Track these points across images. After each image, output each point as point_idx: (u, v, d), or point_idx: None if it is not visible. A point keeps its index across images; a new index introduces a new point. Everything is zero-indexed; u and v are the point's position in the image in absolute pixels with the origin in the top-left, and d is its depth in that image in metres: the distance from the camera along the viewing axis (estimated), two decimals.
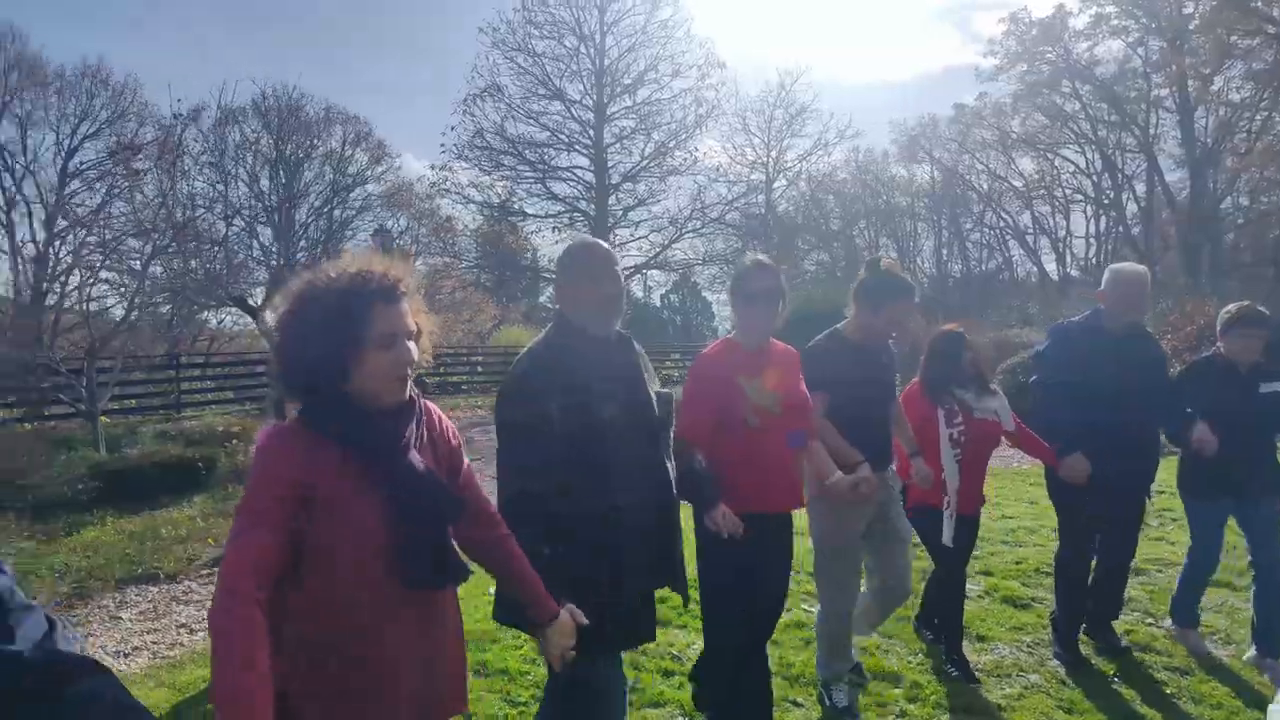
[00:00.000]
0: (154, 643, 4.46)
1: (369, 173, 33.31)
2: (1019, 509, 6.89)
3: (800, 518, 3.08)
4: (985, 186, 39.65)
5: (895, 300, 3.20)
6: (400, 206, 28.80)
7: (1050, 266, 39.29)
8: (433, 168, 25.94)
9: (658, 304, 47.69)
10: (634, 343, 2.37)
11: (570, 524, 2.07)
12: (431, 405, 1.72)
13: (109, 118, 23.02)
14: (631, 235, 22.64)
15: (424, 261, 27.93)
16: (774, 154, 31.16)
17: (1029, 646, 3.95)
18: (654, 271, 25.60)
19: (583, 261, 2.28)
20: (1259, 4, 22.92)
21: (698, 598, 2.84)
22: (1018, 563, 5.29)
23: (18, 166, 21.95)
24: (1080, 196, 38.63)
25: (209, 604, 1.50)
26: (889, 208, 41.89)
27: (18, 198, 21.87)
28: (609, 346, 2.26)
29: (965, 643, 3.84)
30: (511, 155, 20.67)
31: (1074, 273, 38.17)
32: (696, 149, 21.62)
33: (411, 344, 1.54)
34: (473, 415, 15.79)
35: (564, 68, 20.51)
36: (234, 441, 9.22)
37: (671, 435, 2.42)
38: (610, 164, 21.13)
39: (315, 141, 31.36)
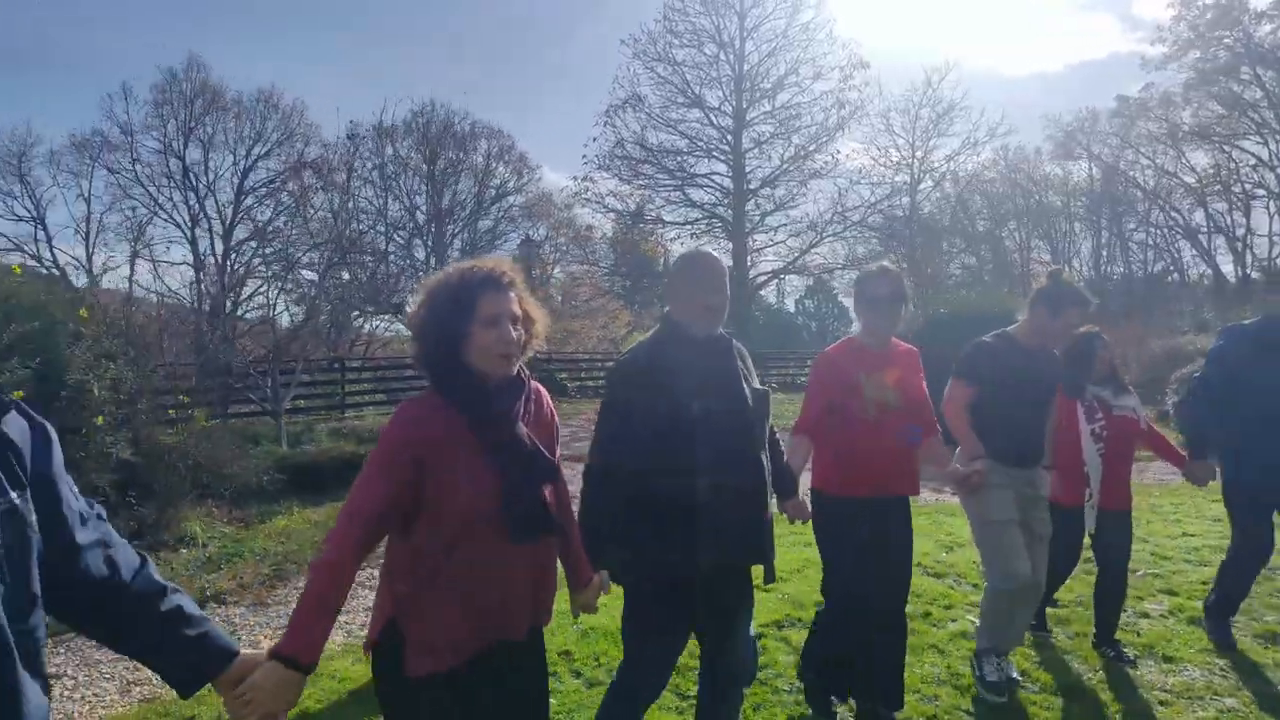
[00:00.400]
0: (346, 623, 4.85)
1: (511, 185, 34.88)
2: (1201, 526, 6.44)
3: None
4: (1151, 183, 36.83)
5: (1074, 307, 3.41)
6: (540, 217, 29.83)
7: (1227, 268, 36.06)
8: (574, 179, 26.75)
9: (792, 309, 47.15)
10: (735, 344, 2.49)
11: (647, 499, 2.26)
12: (539, 386, 1.95)
13: (279, 139, 25.05)
14: (769, 240, 22.58)
15: (562, 269, 28.81)
16: (919, 154, 30.08)
17: (1221, 670, 3.71)
18: (791, 276, 25.40)
19: (692, 271, 2.45)
20: None
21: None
22: (1204, 583, 4.95)
23: (201, 186, 24.21)
24: (1263, 191, 35.23)
25: None
26: (1041, 208, 39.63)
27: (201, 215, 24.10)
28: (708, 347, 2.40)
29: (1151, 663, 3.69)
30: (650, 164, 21.03)
31: (1255, 274, 34.80)
32: (838, 151, 21.33)
33: (514, 327, 1.78)
34: None
35: (703, 75, 20.69)
36: None
37: (768, 428, 2.57)
38: (748, 169, 21.07)
39: (463, 156, 33.11)
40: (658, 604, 2.36)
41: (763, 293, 35.43)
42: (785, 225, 21.66)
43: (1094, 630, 3.98)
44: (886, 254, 23.89)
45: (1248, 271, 35.09)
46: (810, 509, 2.91)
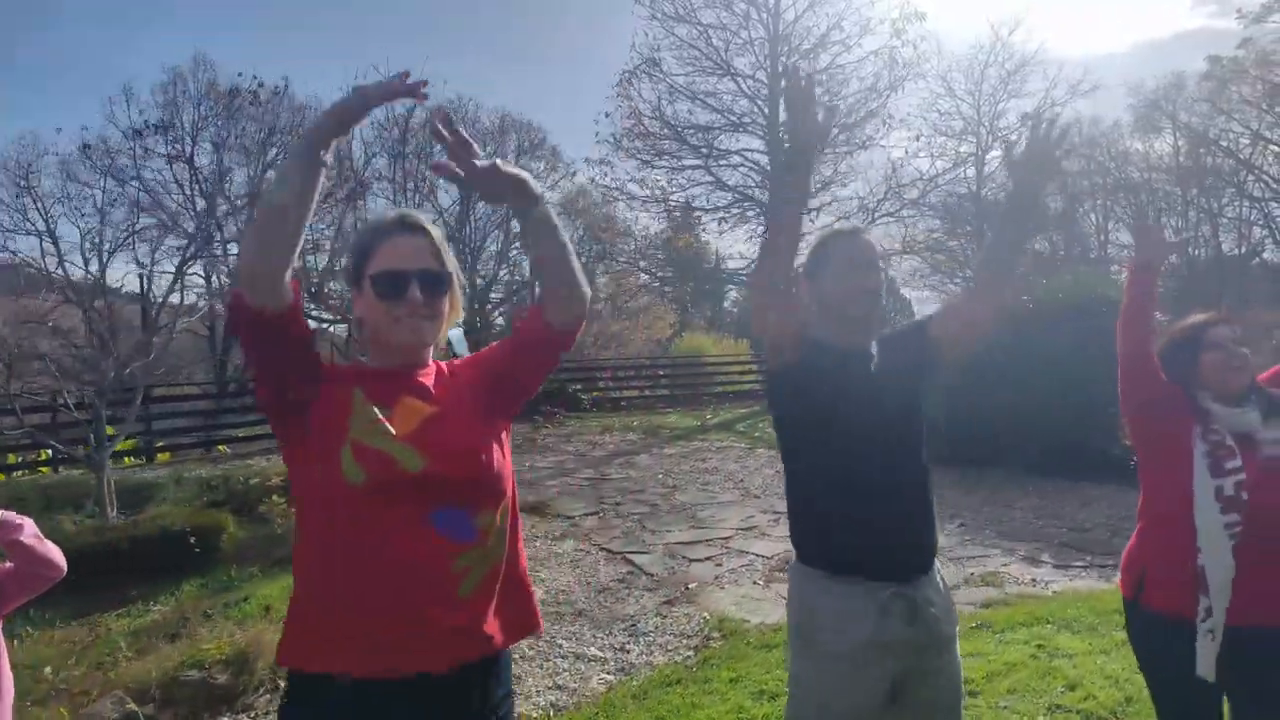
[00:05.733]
0: None
1: (544, 181, 33.12)
2: None
3: None
4: (1246, 152, 33.28)
5: None
6: (577, 214, 27.95)
7: None
8: (586, 161, 24.64)
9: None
10: None
11: None
12: None
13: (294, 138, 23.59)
14: (813, 224, 20.08)
15: (604, 268, 26.75)
16: (987, 119, 27.10)
17: None
18: None
19: None
20: None
21: None
22: None
23: (212, 190, 22.84)
24: None
25: None
26: (1122, 184, 36.31)
27: (213, 223, 22.75)
28: None
29: None
30: (673, 140, 18.69)
31: None
32: (890, 118, 18.67)
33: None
34: (661, 423, 14.12)
35: (732, 38, 18.24)
36: None
37: None
38: (787, 144, 18.47)
39: (491, 151, 31.46)
40: None
41: None
42: (831, 205, 19.14)
43: None
44: (950, 236, 21.22)
45: None
46: None
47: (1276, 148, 32.31)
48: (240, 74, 23.68)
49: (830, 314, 2.13)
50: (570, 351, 1.92)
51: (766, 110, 18.62)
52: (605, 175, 20.17)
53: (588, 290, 1.71)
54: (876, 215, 18.95)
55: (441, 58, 50.24)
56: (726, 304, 38.28)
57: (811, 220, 20.41)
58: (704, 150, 19.16)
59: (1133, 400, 2.35)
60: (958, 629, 2.16)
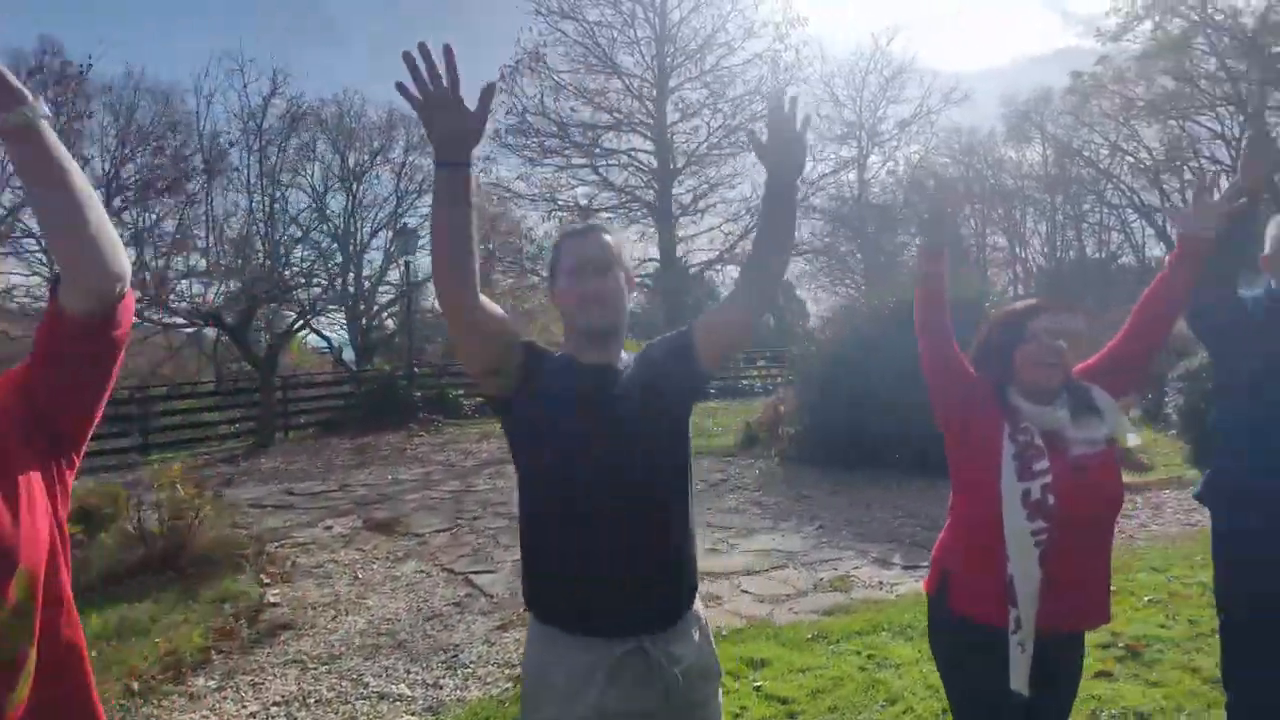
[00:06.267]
0: None
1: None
2: None
3: None
4: (1106, 162, 35.54)
5: None
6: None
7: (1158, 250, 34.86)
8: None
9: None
10: None
11: None
12: None
13: (153, 128, 22.12)
14: (700, 226, 20.18)
15: (501, 269, 26.05)
16: (867, 124, 27.91)
17: None
18: (731, 268, 23.03)
19: None
20: None
21: None
22: None
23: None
24: (1216, 166, 34.02)
25: None
26: (996, 192, 38.15)
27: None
28: None
29: None
30: (559, 138, 18.39)
31: None
32: None
33: None
34: None
35: (619, 36, 18.11)
36: None
37: None
38: (675, 143, 18.60)
39: (378, 145, 30.39)
40: None
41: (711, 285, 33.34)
42: (719, 206, 19.19)
43: None
44: (835, 238, 21.69)
45: None
46: None
47: (1132, 158, 34.59)
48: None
49: (566, 324, 1.89)
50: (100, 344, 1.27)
51: (654, 110, 18.53)
52: (489, 172, 19.64)
53: (110, 247, 1.20)
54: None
55: (321, 45, 48.40)
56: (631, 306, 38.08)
57: (695, 223, 20.53)
58: (590, 148, 18.89)
59: (937, 395, 2.20)
60: (720, 683, 1.95)
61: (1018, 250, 39.96)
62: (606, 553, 1.72)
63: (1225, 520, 2.47)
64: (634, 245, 21.01)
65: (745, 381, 20.43)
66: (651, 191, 18.39)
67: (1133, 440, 2.15)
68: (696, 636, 1.86)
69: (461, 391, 16.85)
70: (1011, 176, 38.48)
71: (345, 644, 4.81)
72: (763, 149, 1.80)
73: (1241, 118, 30.74)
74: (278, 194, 24.90)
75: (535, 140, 18.38)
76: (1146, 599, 4.76)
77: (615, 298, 1.83)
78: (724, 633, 4.63)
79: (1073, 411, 2.07)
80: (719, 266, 20.96)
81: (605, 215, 19.54)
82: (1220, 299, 2.37)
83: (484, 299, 1.69)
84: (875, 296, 10.38)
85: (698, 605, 1.93)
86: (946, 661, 2.18)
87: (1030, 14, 55.45)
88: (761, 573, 5.80)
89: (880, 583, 5.51)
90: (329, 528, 7.70)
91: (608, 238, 1.89)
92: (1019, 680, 1.96)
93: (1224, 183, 2.27)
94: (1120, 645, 4.08)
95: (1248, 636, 2.44)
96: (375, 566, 6.25)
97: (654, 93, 18.44)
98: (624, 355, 1.93)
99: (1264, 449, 2.33)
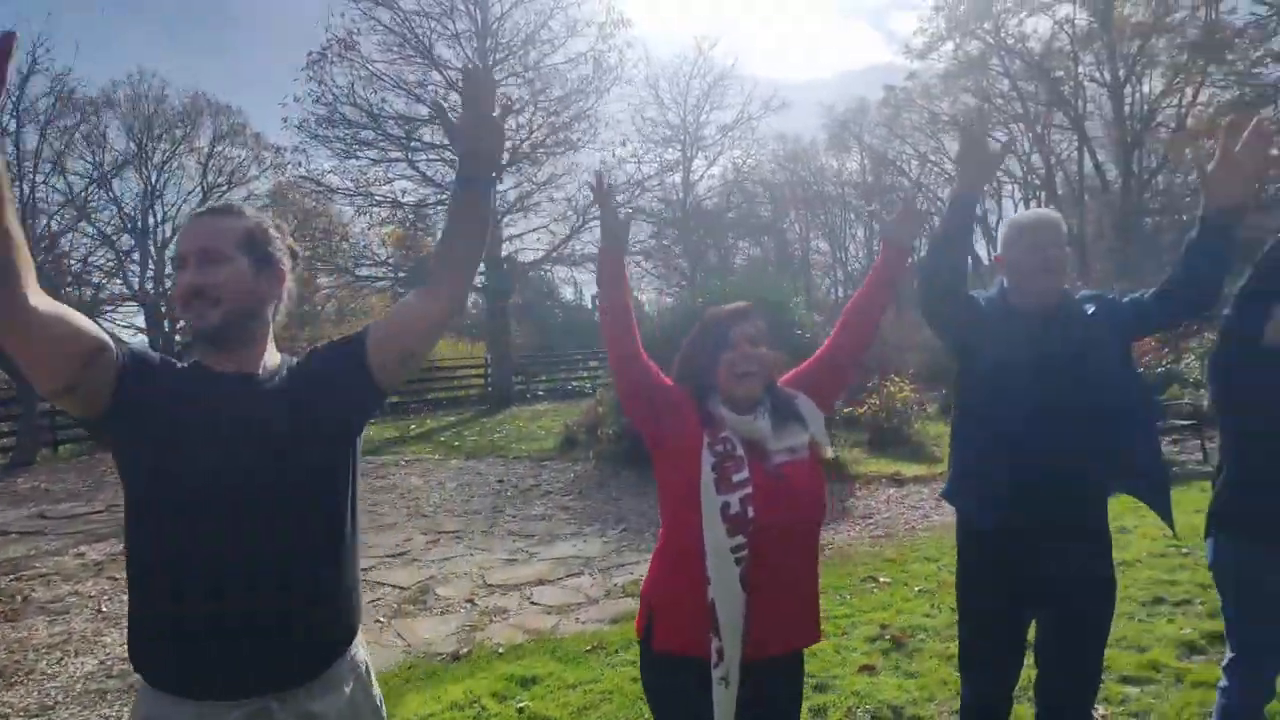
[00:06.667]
0: None
1: (250, 171, 30.00)
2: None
3: None
4: (916, 172, 38.23)
5: None
6: (291, 205, 25.45)
7: (983, 252, 37.99)
8: (275, 150, 22.55)
9: (589, 305, 44.84)
10: None
11: None
12: None
13: None
14: (529, 224, 19.81)
15: (323, 267, 24.49)
16: (691, 128, 28.56)
17: None
18: (562, 268, 22.79)
19: None
20: None
21: None
22: None
23: None
24: (1009, 179, 37.52)
25: None
26: (819, 198, 40.16)
27: None
28: None
29: None
30: (371, 130, 17.41)
31: None
32: (597, 120, 18.81)
33: None
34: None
35: (436, 26, 17.42)
36: None
37: None
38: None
39: (180, 134, 27.99)
40: None
41: (552, 284, 32.92)
42: (545, 205, 18.86)
43: None
44: (661, 238, 21.93)
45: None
46: None
47: (938, 169, 37.33)
48: None
49: None
50: None
51: None
52: (299, 165, 18.36)
53: None
54: (587, 217, 18.97)
55: (105, 18, 44.08)
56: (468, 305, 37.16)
57: (524, 221, 20.16)
58: (407, 142, 18.02)
59: (629, 404, 2.02)
60: None
61: (838, 254, 42.23)
62: (230, 595, 1.42)
63: (967, 518, 2.46)
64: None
65: (575, 383, 20.28)
66: None
67: (830, 453, 2.07)
68: (350, 688, 1.59)
69: None
70: (832, 183, 40.66)
71: (65, 691, 4.20)
72: (454, 130, 1.59)
73: (1031, 135, 33.89)
74: (40, 180, 22.29)
75: (348, 132, 17.35)
76: (917, 589, 4.91)
77: (227, 290, 1.50)
78: (500, 651, 4.37)
79: (775, 420, 1.96)
80: (547, 267, 20.74)
81: (425, 212, 18.78)
82: (947, 298, 2.33)
83: (44, 298, 1.33)
84: (696, 295, 10.44)
85: (357, 648, 1.65)
86: (654, 706, 2.02)
87: (856, 31, 59.04)
88: (555, 582, 5.59)
89: None
90: (80, 555, 6.81)
91: (228, 221, 1.55)
92: (724, 718, 1.83)
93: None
94: (887, 637, 4.15)
95: (977, 629, 2.44)
96: (125, 598, 5.53)
97: None
98: (281, 360, 1.62)
99: (994, 448, 2.31)
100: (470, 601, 5.28)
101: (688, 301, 10.18)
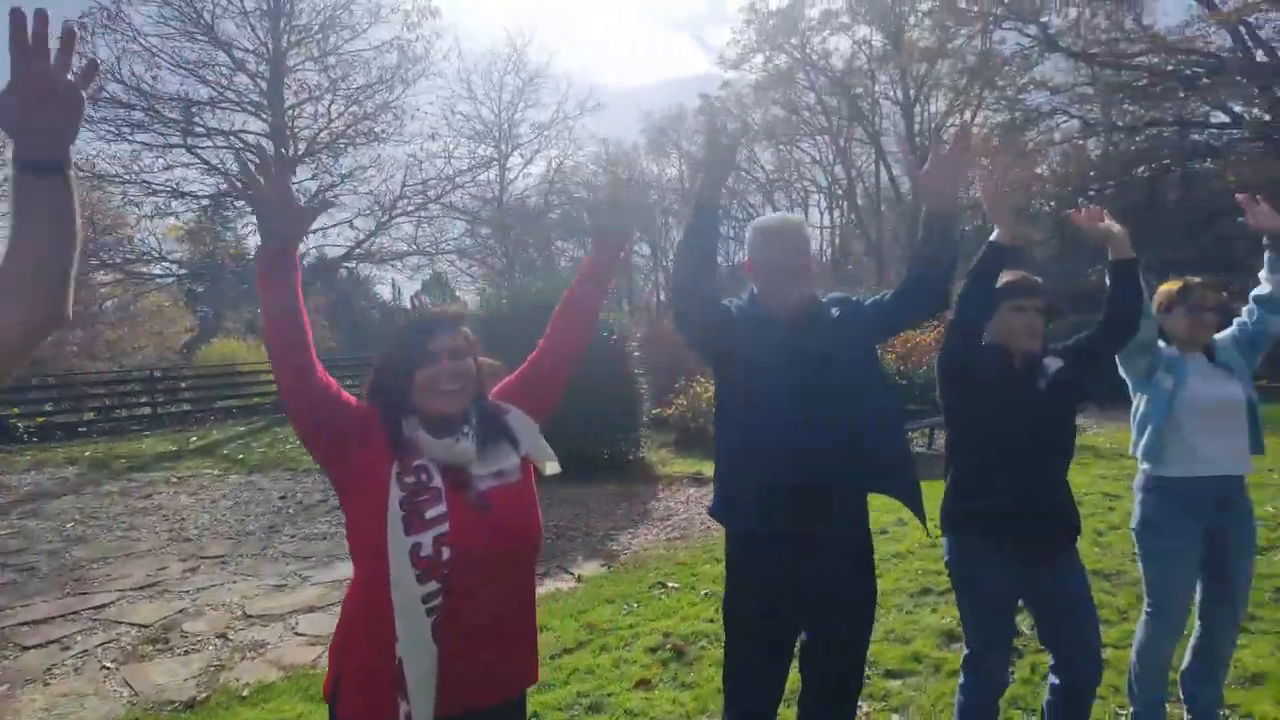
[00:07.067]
0: None
1: (7, 153, 26.50)
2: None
3: None
4: (730, 179, 39.74)
5: None
6: None
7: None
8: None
9: (409, 306, 43.14)
10: None
11: None
12: None
13: None
14: (332, 219, 18.56)
15: (97, 261, 21.79)
16: (506, 125, 28.09)
17: None
18: (365, 266, 21.54)
19: None
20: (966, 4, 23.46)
21: None
22: None
23: None
24: (815, 188, 39.92)
25: None
26: (640, 202, 40.81)
27: None
28: None
29: None
30: (143, 111, 15.62)
31: (813, 268, 39.17)
32: (403, 113, 17.93)
33: None
34: (124, 451, 11.35)
35: (221, 2, 15.86)
36: None
37: None
38: (299, 130, 16.77)
39: None
40: None
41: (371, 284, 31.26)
42: (343, 199, 17.70)
43: None
44: (475, 236, 21.25)
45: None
46: None
47: (750, 176, 39.01)
48: None
49: None
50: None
51: (268, 89, 16.54)
52: None
53: None
54: (394, 212, 18.09)
55: None
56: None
57: (329, 216, 18.92)
58: (187, 126, 16.35)
59: (304, 432, 1.71)
60: None
61: (659, 259, 43.10)
62: None
63: (730, 524, 2.34)
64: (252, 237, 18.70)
65: None
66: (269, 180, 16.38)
67: (552, 469, 1.86)
68: None
69: (19, 410, 13.77)
70: (654, 188, 41.47)
71: None
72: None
73: (835, 147, 36.10)
74: None
75: (116, 112, 15.48)
76: (704, 593, 4.85)
77: None
78: (245, 694, 3.87)
79: (482, 440, 1.72)
80: (352, 263, 19.55)
81: (210, 203, 17.18)
82: (697, 305, 2.22)
83: None
84: (501, 296, 10.09)
85: None
86: None
87: (678, 42, 60.98)
88: (326, 608, 5.10)
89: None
90: None
91: None
92: None
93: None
94: (669, 646, 4.03)
95: (740, 637, 2.33)
96: None
97: (269, 72, 16.48)
98: None
99: (751, 453, 2.21)
100: (223, 637, 4.69)
101: (492, 301, 9.82)
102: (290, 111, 16.68)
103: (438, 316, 1.78)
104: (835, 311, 2.34)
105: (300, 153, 16.70)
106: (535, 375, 1.94)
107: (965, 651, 2.54)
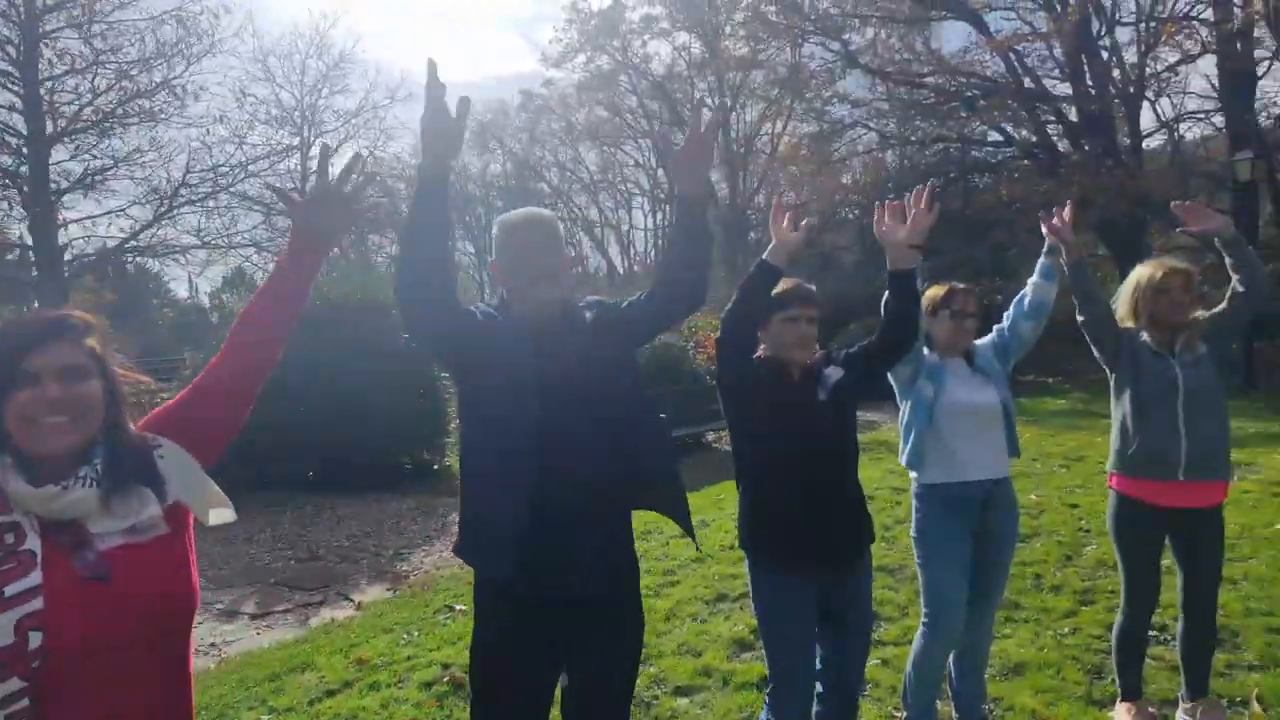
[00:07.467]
0: None
1: None
2: None
3: None
4: (556, 179, 39.55)
5: None
6: None
7: (619, 260, 40.55)
8: None
9: (206, 303, 39.52)
10: None
11: None
12: None
13: None
14: (101, 206, 16.46)
15: None
16: (309, 112, 26.31)
17: None
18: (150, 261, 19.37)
19: None
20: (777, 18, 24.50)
21: None
22: None
23: None
24: (638, 191, 40.46)
25: None
26: (463, 197, 39.73)
27: None
28: None
29: None
30: None
31: (637, 268, 39.71)
32: (185, 92, 16.16)
33: None
34: None
35: None
36: None
37: None
38: (58, 104, 14.56)
39: None
40: None
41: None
42: (110, 185, 15.71)
43: None
44: (273, 229, 19.51)
45: (632, 263, 40.10)
46: None
47: (574, 176, 39.01)
48: None
49: None
50: None
51: (19, 57, 14.32)
52: None
53: None
54: (176, 201, 16.37)
55: None
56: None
57: (71, 207, 16.80)
58: None
59: None
60: None
61: (484, 256, 42.19)
62: None
63: (479, 569, 2.01)
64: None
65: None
66: (17, 159, 14.28)
67: (218, 517, 1.47)
68: None
69: None
70: (477, 185, 40.52)
71: None
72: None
73: (656, 151, 36.71)
74: None
75: None
76: None
77: None
78: None
79: (109, 487, 1.31)
80: (131, 257, 17.45)
81: None
82: (431, 310, 1.85)
83: None
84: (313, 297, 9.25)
85: None
86: None
87: (508, 40, 60.47)
88: None
89: (212, 644, 4.49)
90: None
91: None
92: None
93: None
94: (446, 680, 3.70)
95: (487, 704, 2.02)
96: None
97: (18, 36, 14.35)
98: None
99: (500, 475, 1.89)
100: None
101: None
102: (48, 84, 14.62)
103: (43, 322, 1.35)
104: (589, 315, 2.10)
105: (60, 130, 14.72)
106: (204, 404, 1.53)
107: (770, 685, 2.41)
